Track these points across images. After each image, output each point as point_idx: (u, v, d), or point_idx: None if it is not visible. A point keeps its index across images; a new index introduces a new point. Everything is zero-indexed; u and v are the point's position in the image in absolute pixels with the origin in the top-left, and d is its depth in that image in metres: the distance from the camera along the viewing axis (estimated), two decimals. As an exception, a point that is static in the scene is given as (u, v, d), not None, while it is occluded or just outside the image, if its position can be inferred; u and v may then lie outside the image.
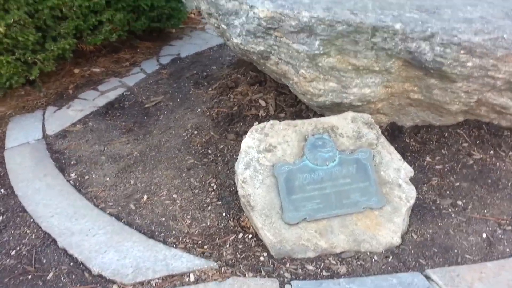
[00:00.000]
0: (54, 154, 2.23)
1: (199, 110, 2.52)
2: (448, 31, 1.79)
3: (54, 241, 1.74)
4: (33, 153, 2.25)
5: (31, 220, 1.83)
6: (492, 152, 1.94)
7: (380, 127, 2.05)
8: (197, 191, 1.94)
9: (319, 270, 1.55)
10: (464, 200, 1.83)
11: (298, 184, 1.66)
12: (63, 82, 2.98)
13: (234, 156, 2.06)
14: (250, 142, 1.75)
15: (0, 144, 2.40)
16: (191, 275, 1.54)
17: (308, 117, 2.23)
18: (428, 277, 1.54)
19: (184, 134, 2.31)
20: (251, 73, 2.78)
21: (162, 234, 1.75)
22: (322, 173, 1.66)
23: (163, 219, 1.81)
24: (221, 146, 2.17)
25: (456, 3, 2.09)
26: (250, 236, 1.71)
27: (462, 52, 1.79)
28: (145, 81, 3.01)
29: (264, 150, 1.71)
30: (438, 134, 2.03)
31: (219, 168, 2.04)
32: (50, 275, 1.60)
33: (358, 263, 1.58)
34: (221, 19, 2.18)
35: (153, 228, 1.77)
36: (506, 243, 1.65)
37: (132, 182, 2.03)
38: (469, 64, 1.81)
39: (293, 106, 2.34)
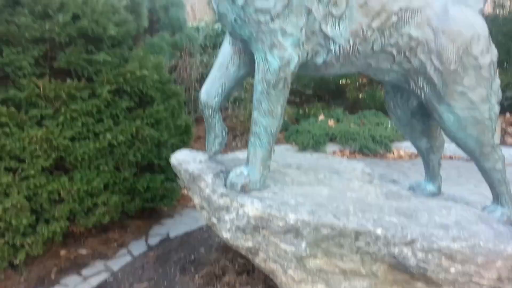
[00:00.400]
0: None
1: (183, 303, 2.43)
2: (427, 237, 1.88)
3: None
4: None
5: None
6: None
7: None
8: None
9: None
10: None
11: None
12: (47, 265, 2.92)
13: None
14: None
15: None
16: None
17: (297, 318, 2.15)
18: None
19: (165, 334, 2.17)
20: (239, 260, 2.77)
21: None
22: None
23: None
24: None
25: (432, 206, 2.25)
26: None
27: (443, 258, 1.85)
28: (131, 265, 2.96)
29: None
30: None
31: None
32: None
33: None
34: (212, 213, 2.29)
35: None
36: None
37: None
38: (452, 270, 1.85)
39: (282, 303, 2.27)
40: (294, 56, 2.11)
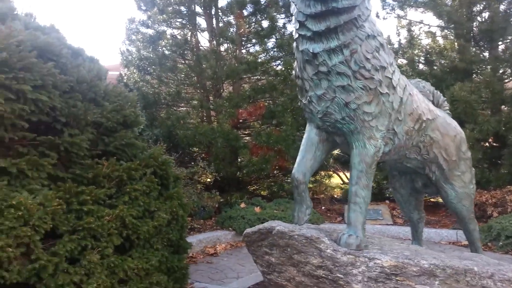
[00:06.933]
0: None
1: None
2: (498, 272, 2.75)
3: None
4: None
5: None
6: None
7: None
8: None
9: None
10: None
11: None
12: None
13: None
14: None
15: None
16: None
17: None
18: None
19: None
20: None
21: None
22: None
23: None
24: None
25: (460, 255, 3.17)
26: None
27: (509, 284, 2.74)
28: None
29: None
30: None
31: None
32: None
33: None
34: (337, 269, 2.69)
35: None
36: None
37: None
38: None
39: None
40: (382, 145, 2.93)
